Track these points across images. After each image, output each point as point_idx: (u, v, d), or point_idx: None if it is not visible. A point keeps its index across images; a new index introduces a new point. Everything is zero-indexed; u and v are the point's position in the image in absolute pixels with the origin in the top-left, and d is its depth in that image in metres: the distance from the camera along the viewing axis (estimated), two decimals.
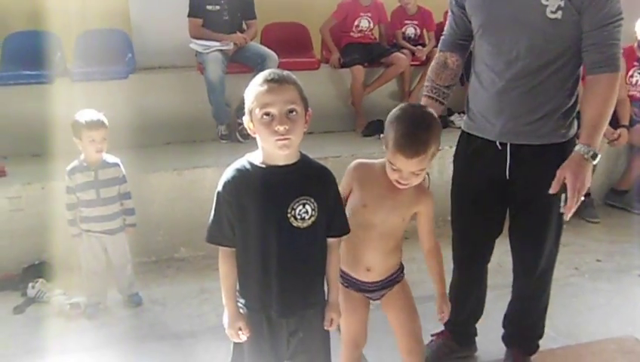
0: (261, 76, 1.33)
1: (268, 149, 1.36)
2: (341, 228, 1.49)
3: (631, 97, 3.99)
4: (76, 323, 2.51)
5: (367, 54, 4.12)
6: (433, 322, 2.22)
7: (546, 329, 2.12)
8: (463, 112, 4.10)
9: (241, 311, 1.47)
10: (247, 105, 1.35)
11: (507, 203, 1.95)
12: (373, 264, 1.66)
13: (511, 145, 1.81)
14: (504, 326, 2.15)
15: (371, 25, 4.23)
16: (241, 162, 1.41)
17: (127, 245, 2.62)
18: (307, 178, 1.40)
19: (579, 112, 1.79)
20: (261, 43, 4.04)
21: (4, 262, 2.94)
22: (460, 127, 4.12)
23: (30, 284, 2.72)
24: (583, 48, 1.67)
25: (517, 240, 1.98)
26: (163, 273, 3.03)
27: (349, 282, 1.71)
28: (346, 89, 4.16)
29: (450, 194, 2.06)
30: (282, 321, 1.45)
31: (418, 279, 2.87)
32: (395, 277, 1.74)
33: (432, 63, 1.96)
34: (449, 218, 3.49)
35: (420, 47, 4.38)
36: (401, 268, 1.78)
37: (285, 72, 1.36)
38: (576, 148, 1.67)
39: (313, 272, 1.47)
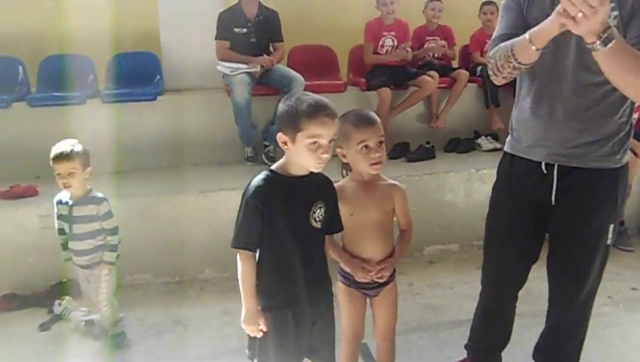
0: (312, 104, 1.49)
1: (302, 166, 1.55)
2: (338, 227, 1.73)
3: None
4: (99, 342, 2.52)
5: (394, 76, 4.10)
6: (457, 349, 2.19)
7: None
8: (490, 135, 4.13)
9: (263, 311, 1.61)
10: (292, 124, 1.50)
11: (547, 229, 1.86)
12: (371, 255, 1.86)
13: (559, 168, 1.72)
14: (535, 358, 2.06)
15: (395, 44, 4.20)
16: (266, 173, 1.59)
17: (105, 282, 2.41)
18: (319, 185, 1.64)
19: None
20: (288, 65, 4.08)
21: (33, 279, 2.99)
22: (486, 150, 4.14)
23: (57, 302, 2.77)
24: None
25: (557, 270, 1.87)
26: (186, 294, 3.04)
27: (349, 281, 1.91)
28: (373, 111, 4.16)
29: (487, 217, 1.99)
30: (307, 312, 1.63)
31: (443, 304, 2.86)
32: (391, 276, 1.94)
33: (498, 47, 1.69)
34: (475, 242, 3.49)
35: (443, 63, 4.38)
36: (394, 270, 1.95)
37: (331, 105, 1.52)
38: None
39: (323, 265, 1.69)
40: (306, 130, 1.47)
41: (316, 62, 4.30)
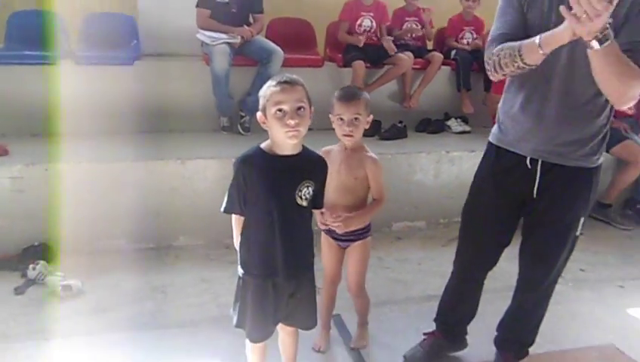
0: (275, 79, 1.62)
1: (279, 140, 1.63)
2: (321, 203, 1.84)
3: (623, 113, 4.13)
4: (77, 307, 2.55)
5: (369, 55, 4.17)
6: (426, 322, 2.34)
7: None
8: (460, 118, 4.28)
9: (244, 276, 1.74)
10: (262, 103, 1.63)
11: (521, 217, 1.98)
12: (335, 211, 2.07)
13: (542, 163, 1.82)
14: (498, 330, 2.23)
15: (374, 25, 4.28)
16: (255, 149, 1.68)
17: None
18: (310, 165, 1.72)
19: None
20: (266, 37, 4.08)
21: (4, 243, 2.96)
22: (455, 132, 4.29)
23: (31, 266, 2.75)
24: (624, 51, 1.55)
25: (530, 256, 2.01)
26: (162, 261, 3.07)
27: (326, 230, 2.15)
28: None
29: (467, 203, 2.09)
30: (285, 284, 1.73)
31: (411, 279, 3.02)
32: (360, 234, 2.16)
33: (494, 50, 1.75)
34: (441, 221, 3.65)
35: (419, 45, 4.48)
36: (368, 229, 2.18)
37: (294, 76, 1.64)
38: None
39: (306, 239, 1.77)
40: (270, 99, 1.60)
41: (294, 36, 4.30)
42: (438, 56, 4.29)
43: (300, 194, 1.68)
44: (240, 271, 1.76)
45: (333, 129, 2.07)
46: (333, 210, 2.05)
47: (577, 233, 1.92)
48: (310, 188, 1.70)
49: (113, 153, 3.28)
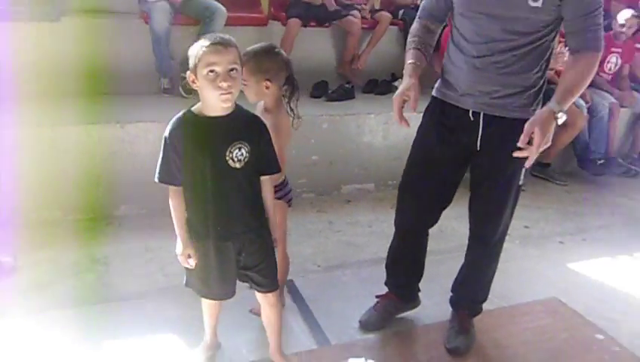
0: (207, 38, 1.56)
1: (210, 102, 1.59)
2: (270, 167, 1.75)
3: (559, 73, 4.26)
4: (11, 285, 2.37)
5: (311, 12, 4.02)
6: (378, 285, 2.34)
7: None
8: None
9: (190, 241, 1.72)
10: (192, 62, 1.56)
11: (465, 173, 2.03)
12: None
13: (484, 116, 1.87)
14: (453, 291, 2.27)
15: None
16: (184, 113, 1.65)
17: None
18: (241, 125, 1.65)
19: (546, 91, 1.88)
20: None
21: None
22: None
23: None
24: (567, 32, 1.75)
25: (478, 211, 2.06)
26: (102, 231, 2.91)
27: None
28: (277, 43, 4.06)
29: (409, 158, 2.09)
30: (227, 244, 1.72)
31: (363, 242, 3.01)
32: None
33: (416, 26, 1.96)
34: (390, 182, 3.66)
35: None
36: (276, 191, 1.94)
37: (227, 36, 1.59)
38: (549, 104, 1.71)
39: (244, 203, 1.72)
40: (202, 60, 1.54)
41: None
42: (386, 15, 4.21)
43: (231, 155, 1.62)
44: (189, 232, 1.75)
45: None
46: None
47: (520, 182, 1.97)
48: (243, 150, 1.63)
49: (44, 117, 3.03)
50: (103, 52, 3.50)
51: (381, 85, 4.23)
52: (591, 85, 4.46)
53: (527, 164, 1.73)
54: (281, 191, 2.07)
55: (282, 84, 1.96)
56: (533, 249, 3.09)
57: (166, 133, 1.62)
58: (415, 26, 1.96)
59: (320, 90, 3.91)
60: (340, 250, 2.90)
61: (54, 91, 3.31)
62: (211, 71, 1.53)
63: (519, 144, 1.67)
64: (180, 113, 1.65)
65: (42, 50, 3.41)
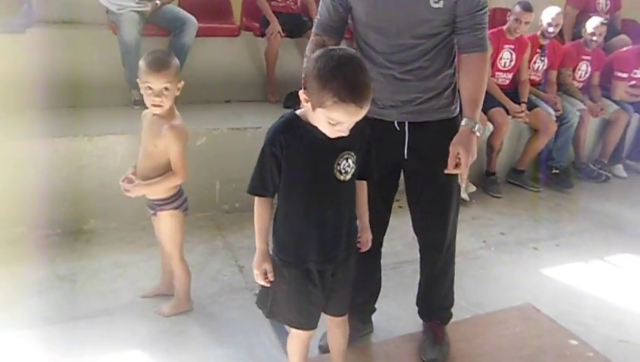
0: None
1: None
2: (372, 173, 1.64)
3: (531, 81, 4.32)
4: None
5: (288, 24, 4.02)
6: None
7: (459, 300, 2.24)
8: None
9: (280, 266, 1.55)
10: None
11: (405, 185, 2.01)
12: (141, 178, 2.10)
13: (409, 125, 1.86)
14: (418, 304, 2.23)
15: None
16: (290, 118, 1.47)
17: None
18: (349, 133, 1.43)
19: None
20: (179, 5, 3.80)
21: None
22: None
23: None
24: (457, 31, 1.77)
25: (423, 219, 2.02)
26: (70, 247, 2.82)
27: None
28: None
29: None
30: (327, 267, 1.56)
31: None
32: (159, 205, 2.13)
33: (311, 46, 1.77)
34: None
35: None
36: (170, 201, 2.12)
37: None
38: (463, 123, 1.74)
39: (348, 220, 1.58)
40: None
41: (209, 4, 4.03)
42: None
43: (338, 168, 1.48)
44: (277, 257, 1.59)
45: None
46: (137, 174, 2.09)
47: (459, 182, 1.96)
48: (350, 160, 1.50)
49: (9, 131, 2.95)
50: (70, 64, 3.44)
51: None
52: (562, 92, 4.56)
53: (462, 181, 1.77)
54: (177, 200, 2.14)
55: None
56: (508, 255, 3.09)
57: (266, 141, 1.46)
58: (310, 46, 1.76)
59: (292, 101, 3.89)
60: None
61: (20, 104, 3.23)
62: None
63: (447, 171, 1.71)
64: (284, 119, 1.49)
65: (7, 63, 3.32)
